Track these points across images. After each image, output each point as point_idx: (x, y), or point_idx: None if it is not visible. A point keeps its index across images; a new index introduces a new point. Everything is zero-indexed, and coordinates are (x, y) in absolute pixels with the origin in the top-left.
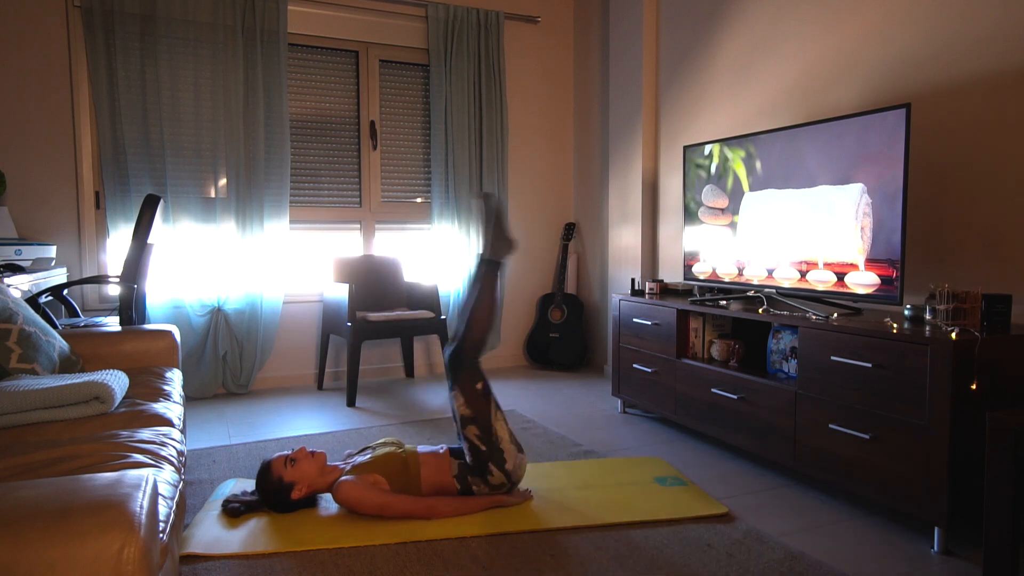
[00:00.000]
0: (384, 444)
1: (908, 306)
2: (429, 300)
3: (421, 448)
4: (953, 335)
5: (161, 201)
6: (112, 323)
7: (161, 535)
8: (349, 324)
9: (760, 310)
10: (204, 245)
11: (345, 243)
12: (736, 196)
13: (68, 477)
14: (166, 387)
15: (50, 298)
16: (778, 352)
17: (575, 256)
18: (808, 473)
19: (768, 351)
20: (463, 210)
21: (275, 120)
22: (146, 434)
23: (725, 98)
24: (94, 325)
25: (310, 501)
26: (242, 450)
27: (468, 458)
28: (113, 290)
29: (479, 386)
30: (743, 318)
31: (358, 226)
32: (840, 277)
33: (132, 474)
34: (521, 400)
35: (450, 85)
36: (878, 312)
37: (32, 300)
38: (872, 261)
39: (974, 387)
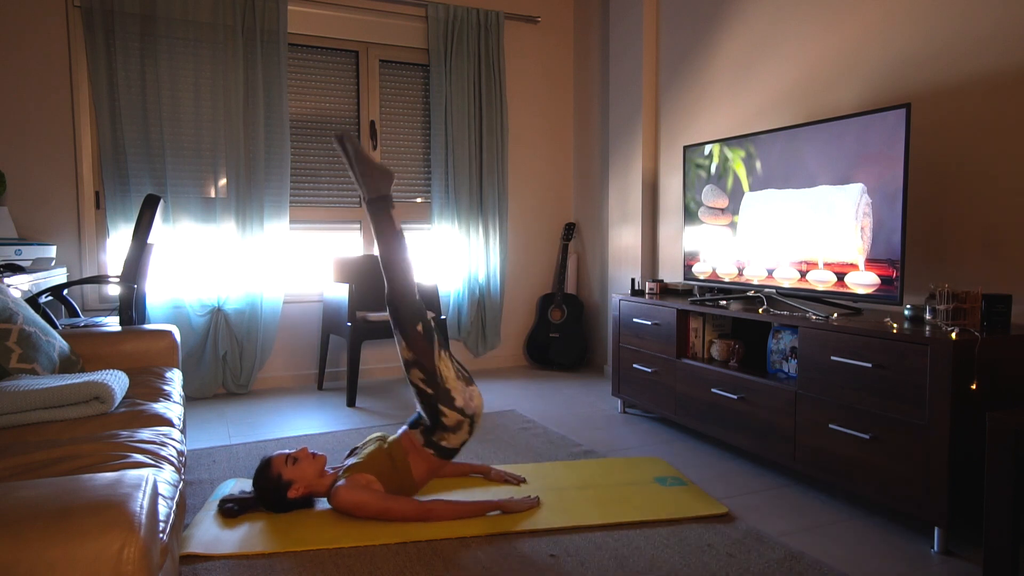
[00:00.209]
0: (369, 443)
1: (908, 306)
2: (429, 300)
3: (401, 429)
4: (953, 335)
5: (161, 201)
6: (112, 323)
7: (161, 535)
8: (349, 324)
9: (760, 310)
10: (204, 245)
11: (345, 243)
12: (736, 196)
13: (68, 477)
14: (166, 387)
15: (50, 298)
16: (778, 352)
17: (575, 256)
18: (808, 473)
19: (768, 351)
20: (463, 210)
21: (275, 120)
22: (146, 434)
23: (725, 98)
24: (94, 325)
25: (306, 502)
26: (242, 450)
27: (418, 405)
28: (113, 290)
29: (419, 328)
30: (743, 318)
31: (358, 226)
32: (840, 277)
33: (132, 474)
34: (521, 400)
35: (450, 85)
36: (878, 312)
37: (32, 300)
38: (872, 261)
39: (974, 387)
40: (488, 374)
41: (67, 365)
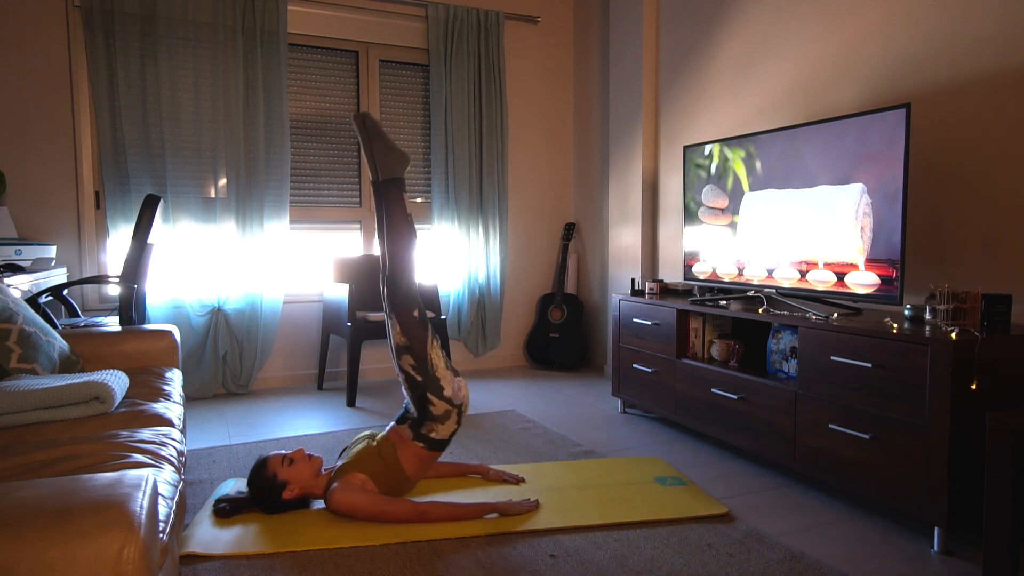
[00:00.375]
0: (358, 441)
1: (908, 306)
2: (429, 300)
3: (388, 427)
4: (953, 335)
5: (161, 201)
6: (112, 323)
7: (161, 535)
8: (349, 324)
9: (760, 310)
10: (204, 245)
11: (345, 243)
12: (736, 196)
13: (68, 477)
14: (166, 387)
15: (50, 298)
16: (778, 352)
17: (575, 256)
18: (808, 473)
19: (768, 351)
20: (463, 210)
21: (275, 120)
22: (146, 434)
23: (725, 98)
24: (94, 325)
25: (300, 503)
26: (242, 450)
27: (406, 395)
28: (113, 290)
29: (415, 313)
30: (743, 318)
31: (358, 226)
32: (840, 277)
33: (132, 474)
34: (521, 400)
35: (450, 85)
36: (878, 312)
37: (32, 300)
38: (872, 261)
39: (974, 387)
40: (488, 374)
41: (67, 365)
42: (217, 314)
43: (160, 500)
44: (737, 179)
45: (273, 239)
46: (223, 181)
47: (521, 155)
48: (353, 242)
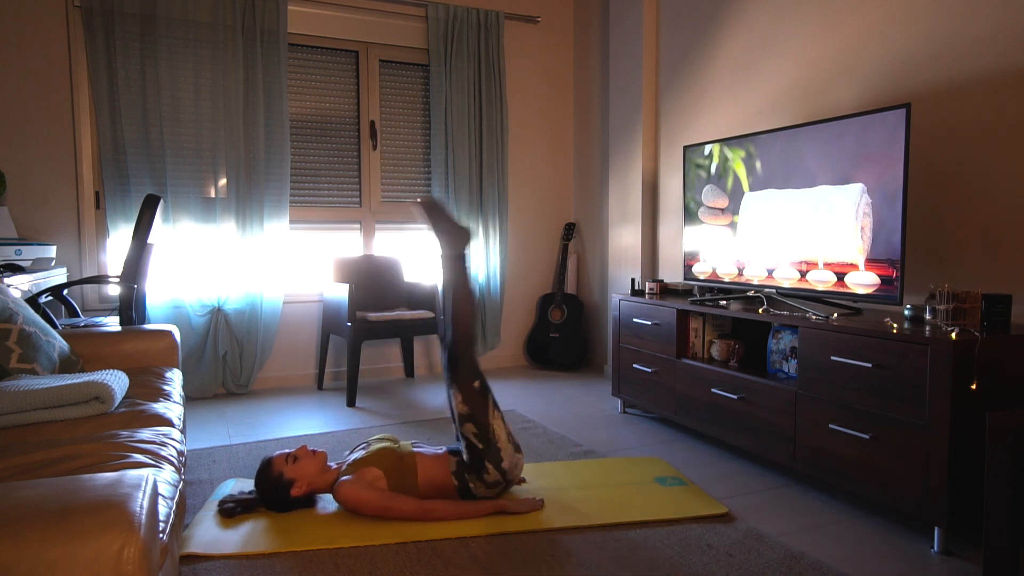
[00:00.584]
0: (380, 440)
1: (908, 306)
2: (429, 300)
3: (418, 447)
4: (953, 335)
5: (161, 201)
6: (112, 323)
7: (161, 535)
8: (349, 324)
9: (760, 310)
10: (204, 245)
11: (345, 243)
12: (736, 196)
13: (68, 477)
14: (166, 387)
15: (50, 298)
16: (778, 352)
17: (575, 256)
18: (808, 473)
19: (768, 351)
20: (463, 210)
21: (275, 120)
22: (146, 434)
23: (725, 98)
24: (94, 325)
25: (308, 500)
26: (242, 450)
27: (465, 456)
28: (113, 290)
29: (476, 384)
30: (743, 318)
31: (358, 226)
32: (840, 277)
33: (132, 474)
34: (521, 400)
35: (450, 85)
36: (878, 312)
37: (32, 300)
38: (872, 261)
39: (974, 387)
40: (488, 374)
41: (67, 365)
42: (217, 314)
43: (160, 500)
44: (737, 179)
45: (273, 239)
46: (223, 181)
47: (521, 155)
48: (353, 242)
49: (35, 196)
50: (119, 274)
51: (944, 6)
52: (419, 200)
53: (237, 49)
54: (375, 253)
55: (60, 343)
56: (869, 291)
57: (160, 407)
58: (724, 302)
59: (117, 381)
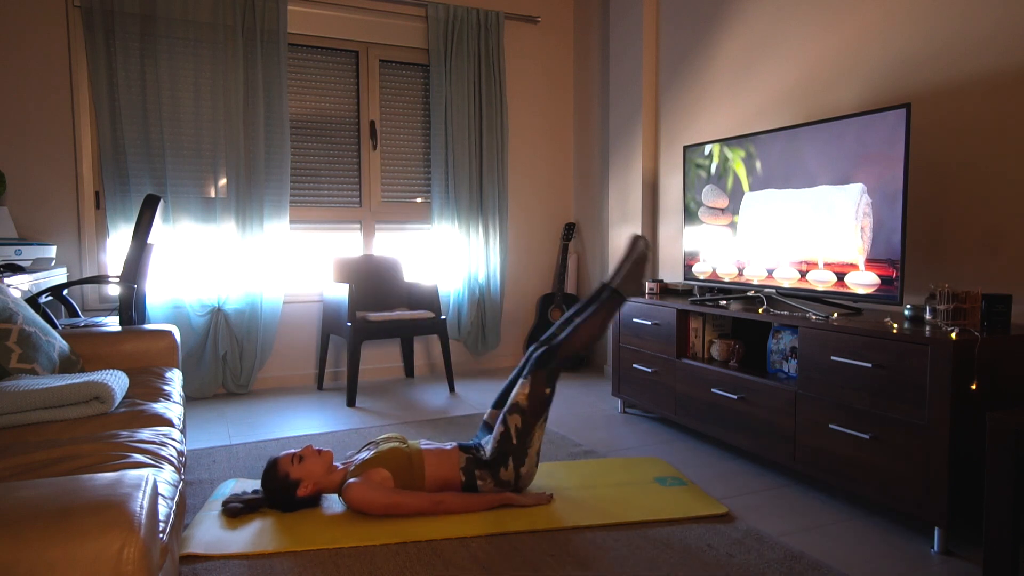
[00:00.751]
0: (388, 440)
1: (908, 306)
2: (429, 300)
3: (425, 444)
4: (953, 335)
5: (161, 201)
6: (112, 323)
7: (161, 535)
8: (349, 324)
9: (760, 310)
10: (204, 245)
11: (345, 243)
12: (736, 196)
13: (68, 477)
14: (166, 387)
15: (50, 298)
16: (778, 352)
17: (575, 256)
18: (808, 473)
19: (768, 351)
20: (463, 210)
21: (275, 120)
22: (146, 434)
23: (725, 98)
24: (94, 325)
25: (314, 500)
26: (242, 450)
27: (490, 446)
28: (113, 290)
29: (547, 391)
30: (743, 318)
31: (358, 226)
32: (840, 277)
33: (132, 474)
34: None
35: (450, 85)
36: (878, 312)
37: (32, 300)
38: (872, 261)
39: (974, 387)
40: (488, 374)
41: (67, 365)
42: (217, 314)
43: (160, 500)
44: (737, 179)
45: (273, 239)
46: (223, 181)
47: (521, 155)
48: (353, 242)
49: (35, 196)
50: (119, 274)
51: (944, 6)
52: (642, 240)
53: (237, 49)
54: (375, 253)
55: (60, 343)
56: (869, 291)
57: (160, 407)
58: (724, 302)
59: (117, 381)
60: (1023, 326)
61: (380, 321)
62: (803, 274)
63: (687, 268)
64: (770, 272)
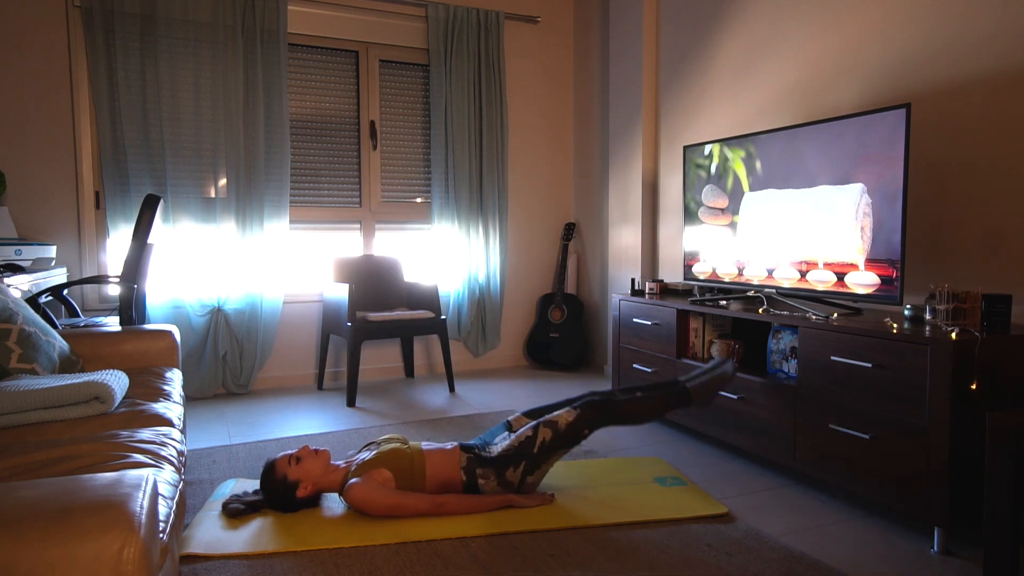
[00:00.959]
0: (389, 440)
1: (908, 306)
2: (429, 300)
3: (426, 445)
4: (953, 335)
5: (161, 201)
6: (112, 323)
7: (161, 535)
8: (349, 324)
9: (760, 310)
10: (204, 245)
11: (345, 243)
12: (736, 196)
13: (68, 477)
14: (166, 387)
15: (50, 298)
16: (778, 352)
17: (575, 256)
18: (808, 473)
19: (768, 351)
20: (463, 210)
21: (275, 120)
22: (146, 434)
23: (725, 98)
24: (94, 325)
25: (314, 500)
26: (242, 450)
27: (509, 443)
28: (113, 290)
29: (586, 431)
30: (743, 318)
31: (358, 226)
32: (840, 277)
33: (132, 474)
34: (521, 400)
35: (450, 85)
36: (878, 312)
37: (32, 300)
38: (872, 261)
39: (974, 387)
40: (488, 374)
41: (67, 365)
42: (217, 314)
43: (160, 500)
44: (737, 179)
45: (273, 239)
46: (223, 181)
47: (521, 155)
48: (353, 242)
49: (35, 196)
50: (119, 274)
51: (944, 6)
52: (732, 363)
53: (237, 49)
54: (375, 253)
55: (60, 343)
56: (869, 291)
57: (160, 407)
58: (724, 302)
59: (117, 381)
60: (1023, 326)
61: (380, 321)
62: (803, 274)
63: (687, 268)
64: (770, 272)
